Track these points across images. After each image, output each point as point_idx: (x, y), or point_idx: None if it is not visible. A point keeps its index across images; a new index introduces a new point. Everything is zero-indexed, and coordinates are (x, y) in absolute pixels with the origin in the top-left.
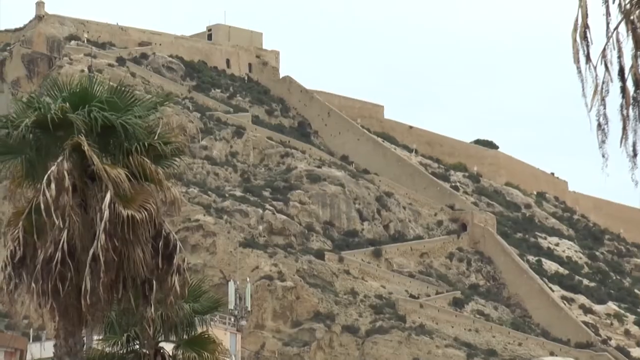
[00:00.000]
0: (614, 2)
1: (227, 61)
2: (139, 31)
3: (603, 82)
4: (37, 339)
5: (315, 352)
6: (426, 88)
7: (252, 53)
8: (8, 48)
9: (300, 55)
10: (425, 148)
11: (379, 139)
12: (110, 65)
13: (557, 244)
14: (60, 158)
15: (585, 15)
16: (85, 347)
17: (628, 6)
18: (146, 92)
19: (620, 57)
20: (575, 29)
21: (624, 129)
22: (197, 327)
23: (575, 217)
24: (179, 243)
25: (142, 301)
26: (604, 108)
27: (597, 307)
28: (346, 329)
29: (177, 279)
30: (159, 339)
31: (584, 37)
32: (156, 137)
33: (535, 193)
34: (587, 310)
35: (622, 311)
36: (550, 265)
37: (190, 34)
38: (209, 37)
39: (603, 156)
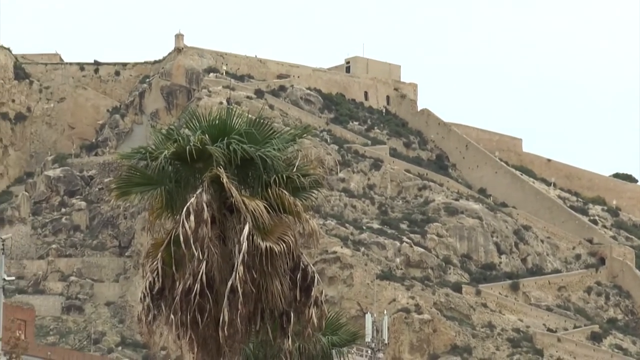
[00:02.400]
0: None
1: (365, 93)
2: (277, 64)
3: None
4: None
5: None
6: (564, 121)
7: (390, 85)
8: (147, 80)
9: (438, 88)
10: (563, 181)
11: (517, 172)
12: (248, 97)
13: None
14: (199, 190)
15: None
16: None
17: None
18: (284, 124)
19: None
20: None
21: None
22: None
23: None
24: (316, 275)
25: (279, 333)
26: None
27: None
28: None
29: (314, 312)
30: None
31: None
32: (295, 170)
33: None
34: None
35: None
36: None
37: (329, 66)
38: (347, 69)
39: None
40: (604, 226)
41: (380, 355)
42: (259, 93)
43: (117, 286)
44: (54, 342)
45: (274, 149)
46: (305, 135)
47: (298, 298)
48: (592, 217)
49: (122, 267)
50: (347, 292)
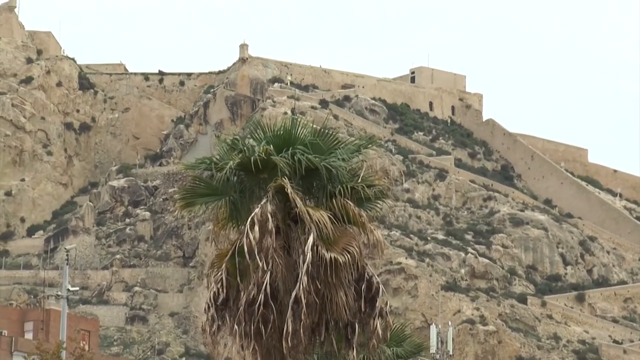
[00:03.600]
0: None
1: (430, 104)
2: (342, 74)
3: None
4: None
5: None
6: (631, 131)
7: (455, 96)
8: (212, 90)
9: (504, 98)
10: (629, 192)
11: (583, 183)
12: (313, 107)
13: None
14: (263, 200)
15: None
16: None
17: None
18: (349, 134)
19: None
20: None
21: None
22: None
23: None
24: (381, 286)
25: (344, 345)
26: None
27: None
28: None
29: (379, 323)
30: None
31: None
32: (359, 180)
33: None
34: None
35: None
36: None
37: (394, 76)
38: (412, 79)
39: None
40: None
41: None
42: (324, 103)
43: (181, 297)
44: (118, 353)
45: (338, 159)
46: (370, 145)
47: (363, 309)
48: None
49: (186, 278)
50: (411, 303)
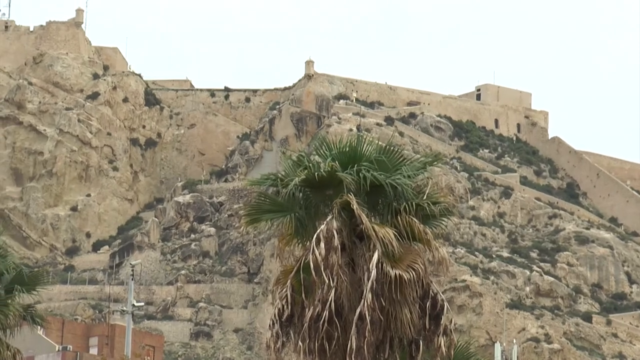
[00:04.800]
0: None
1: (496, 121)
2: (407, 91)
3: None
4: None
5: None
6: None
7: (520, 113)
8: (277, 107)
9: (569, 116)
10: None
11: None
12: (378, 124)
13: None
14: (329, 217)
15: None
16: None
17: None
18: (414, 151)
19: None
20: None
21: None
22: None
23: None
24: (446, 304)
25: None
26: None
27: None
28: None
29: (444, 340)
30: None
31: None
32: (425, 197)
33: None
34: None
35: None
36: None
37: (459, 93)
38: (478, 97)
39: None
40: None
41: None
42: (389, 120)
43: (246, 313)
44: None
45: (404, 177)
46: (435, 162)
47: (427, 326)
48: None
49: (250, 294)
50: (476, 321)
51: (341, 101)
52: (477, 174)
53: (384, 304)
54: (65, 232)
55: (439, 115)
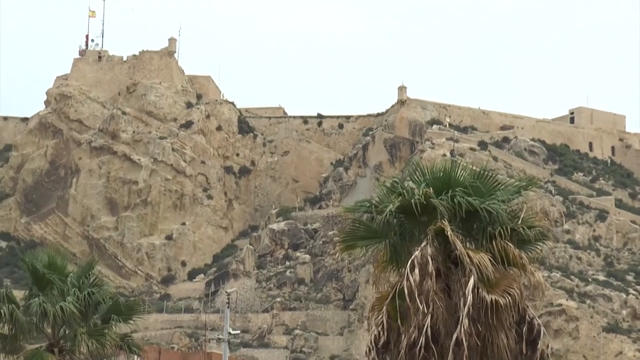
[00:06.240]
0: None
1: (590, 144)
2: (500, 115)
3: None
4: None
5: None
6: None
7: (615, 136)
8: (370, 133)
9: None
10: None
11: None
12: (472, 149)
13: None
14: (423, 243)
15: None
16: None
17: None
18: (508, 176)
19: None
20: None
21: None
22: None
23: None
24: (542, 328)
25: None
26: None
27: None
28: None
29: None
30: None
31: None
32: (520, 222)
33: None
34: None
35: None
36: None
37: (553, 117)
38: (572, 120)
39: None
40: None
41: None
42: (483, 145)
43: (342, 339)
44: None
45: (498, 202)
46: (530, 187)
47: (524, 351)
48: None
49: (346, 320)
50: (572, 345)
51: (434, 126)
52: (571, 197)
53: (480, 329)
54: (161, 261)
55: (533, 139)
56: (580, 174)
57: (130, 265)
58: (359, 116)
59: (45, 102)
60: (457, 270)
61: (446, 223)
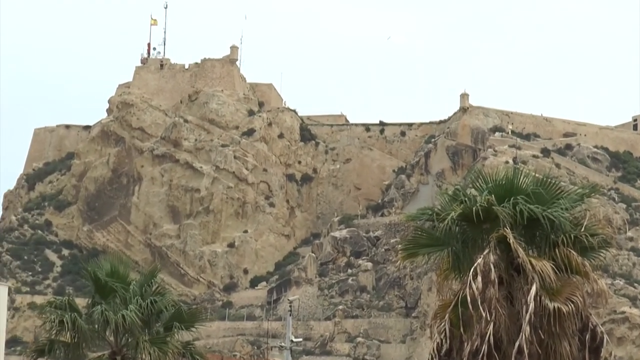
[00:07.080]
0: None
1: None
2: (563, 122)
3: None
4: None
5: None
6: None
7: None
8: (433, 140)
9: None
10: None
11: None
12: (534, 156)
13: None
14: (486, 250)
15: None
16: None
17: None
18: (571, 183)
19: None
20: None
21: None
22: None
23: None
24: (605, 336)
25: None
26: None
27: None
28: None
29: None
30: None
31: None
32: (582, 229)
33: None
34: None
35: None
36: None
37: (616, 124)
38: (635, 127)
39: None
40: None
41: None
42: (545, 152)
43: (404, 347)
44: None
45: (561, 209)
46: (593, 194)
47: (587, 359)
48: None
49: (408, 328)
50: (636, 353)
51: (497, 133)
52: (635, 204)
53: (542, 337)
54: (223, 269)
55: (596, 146)
56: None
57: (192, 273)
58: (421, 123)
59: (107, 110)
60: (519, 278)
61: (508, 230)
